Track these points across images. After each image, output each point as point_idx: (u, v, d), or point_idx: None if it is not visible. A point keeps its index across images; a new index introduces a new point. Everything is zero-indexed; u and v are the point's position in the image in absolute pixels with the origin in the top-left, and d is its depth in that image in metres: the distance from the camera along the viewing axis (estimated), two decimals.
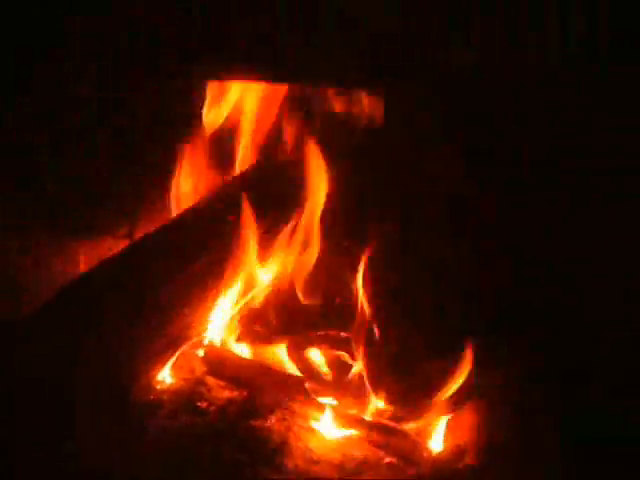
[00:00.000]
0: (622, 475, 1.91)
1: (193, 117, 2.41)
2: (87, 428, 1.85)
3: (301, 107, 2.37)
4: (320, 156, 2.27)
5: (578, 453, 1.90)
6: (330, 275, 2.28)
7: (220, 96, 2.43)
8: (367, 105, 2.33)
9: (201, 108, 2.42)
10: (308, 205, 2.27)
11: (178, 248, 2.16)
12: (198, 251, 2.16)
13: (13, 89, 2.26)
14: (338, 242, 2.29)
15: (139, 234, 2.36)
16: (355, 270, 2.20)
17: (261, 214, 2.23)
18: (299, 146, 2.33)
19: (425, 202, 2.24)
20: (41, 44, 2.24)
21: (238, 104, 2.44)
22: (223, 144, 2.45)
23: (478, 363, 2.04)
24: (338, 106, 2.36)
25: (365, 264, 2.18)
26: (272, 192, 2.30)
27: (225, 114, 2.44)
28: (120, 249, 2.24)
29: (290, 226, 2.28)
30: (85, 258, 2.44)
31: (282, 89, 2.38)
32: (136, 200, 2.46)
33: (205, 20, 2.15)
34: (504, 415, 2.02)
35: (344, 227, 2.28)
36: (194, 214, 2.30)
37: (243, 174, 2.41)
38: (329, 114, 2.38)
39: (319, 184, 2.28)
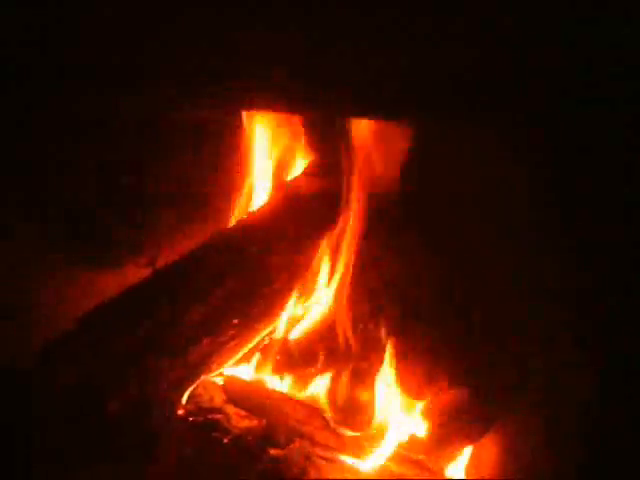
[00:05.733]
0: None
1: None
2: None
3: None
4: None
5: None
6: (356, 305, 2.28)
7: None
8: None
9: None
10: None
11: (199, 278, 2.18)
12: (219, 281, 2.17)
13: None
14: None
15: (161, 263, 2.37)
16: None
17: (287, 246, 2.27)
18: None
19: None
20: None
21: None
22: None
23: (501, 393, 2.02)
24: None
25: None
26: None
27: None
28: (143, 278, 2.25)
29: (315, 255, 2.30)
30: (109, 289, 2.44)
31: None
32: (158, 229, 2.48)
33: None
34: (528, 448, 1.98)
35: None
36: (216, 245, 2.32)
37: (265, 205, 2.43)
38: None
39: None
